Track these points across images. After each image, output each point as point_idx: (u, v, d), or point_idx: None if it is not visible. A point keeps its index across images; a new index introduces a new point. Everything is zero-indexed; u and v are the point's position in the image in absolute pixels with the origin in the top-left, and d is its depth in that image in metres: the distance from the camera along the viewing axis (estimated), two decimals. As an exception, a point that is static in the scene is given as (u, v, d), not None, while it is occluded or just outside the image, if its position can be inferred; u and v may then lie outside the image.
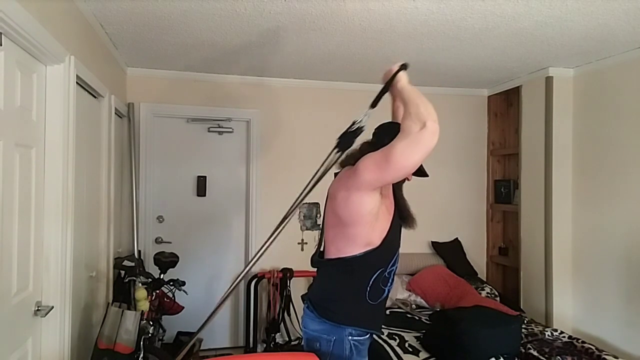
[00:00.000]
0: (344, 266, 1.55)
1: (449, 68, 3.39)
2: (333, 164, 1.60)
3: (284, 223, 1.68)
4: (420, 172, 1.55)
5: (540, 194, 3.50)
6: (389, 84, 1.55)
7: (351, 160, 1.56)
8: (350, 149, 1.61)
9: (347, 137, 1.57)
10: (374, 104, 1.58)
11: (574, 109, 3.41)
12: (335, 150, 1.59)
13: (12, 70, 1.58)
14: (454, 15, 2.34)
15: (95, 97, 2.63)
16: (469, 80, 3.84)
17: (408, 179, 1.58)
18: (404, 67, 1.56)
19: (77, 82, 2.12)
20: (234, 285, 1.51)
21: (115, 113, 3.02)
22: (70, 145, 2.01)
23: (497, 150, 4.20)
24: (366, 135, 1.62)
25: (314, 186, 1.65)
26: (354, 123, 1.57)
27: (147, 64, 3.39)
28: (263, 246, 1.73)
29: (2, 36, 1.47)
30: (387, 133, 1.45)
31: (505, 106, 4.24)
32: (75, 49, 2.09)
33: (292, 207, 1.64)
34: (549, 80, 3.41)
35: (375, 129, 1.62)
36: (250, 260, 1.60)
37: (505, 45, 2.84)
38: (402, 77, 1.53)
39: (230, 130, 3.79)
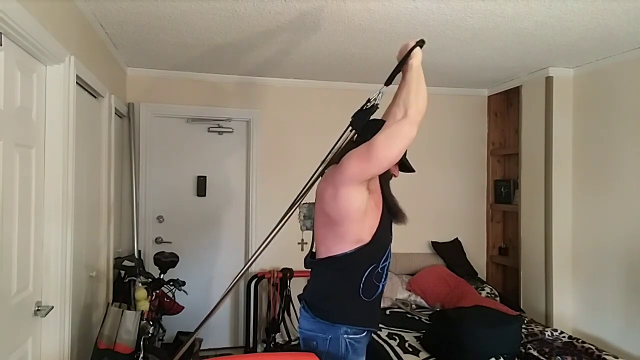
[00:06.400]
0: (335, 264, 1.55)
1: (449, 68, 3.40)
2: (347, 142, 1.59)
3: (294, 208, 1.67)
4: (406, 168, 1.57)
5: (540, 194, 3.50)
6: (404, 60, 1.54)
7: (336, 159, 1.57)
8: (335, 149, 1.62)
9: (361, 115, 1.57)
10: (388, 82, 1.59)
11: (574, 109, 3.41)
12: (350, 128, 1.59)
13: (12, 70, 1.58)
14: (454, 15, 2.34)
15: (95, 97, 2.63)
16: (469, 80, 3.84)
17: (395, 176, 1.60)
18: (420, 42, 1.54)
19: (77, 82, 2.12)
20: (233, 282, 1.50)
21: (115, 113, 3.02)
22: (70, 145, 2.01)
23: (497, 150, 4.20)
24: (379, 113, 1.62)
25: (327, 167, 1.62)
26: (368, 100, 1.57)
27: (147, 64, 3.39)
28: (272, 232, 1.72)
29: (2, 36, 1.47)
30: (371, 130, 1.47)
31: (505, 106, 4.24)
32: (75, 49, 2.09)
33: (302, 190, 1.63)
34: (549, 80, 3.41)
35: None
36: (254, 253, 1.59)
37: (505, 45, 2.84)
38: (417, 55, 1.52)
39: (230, 130, 3.79)
